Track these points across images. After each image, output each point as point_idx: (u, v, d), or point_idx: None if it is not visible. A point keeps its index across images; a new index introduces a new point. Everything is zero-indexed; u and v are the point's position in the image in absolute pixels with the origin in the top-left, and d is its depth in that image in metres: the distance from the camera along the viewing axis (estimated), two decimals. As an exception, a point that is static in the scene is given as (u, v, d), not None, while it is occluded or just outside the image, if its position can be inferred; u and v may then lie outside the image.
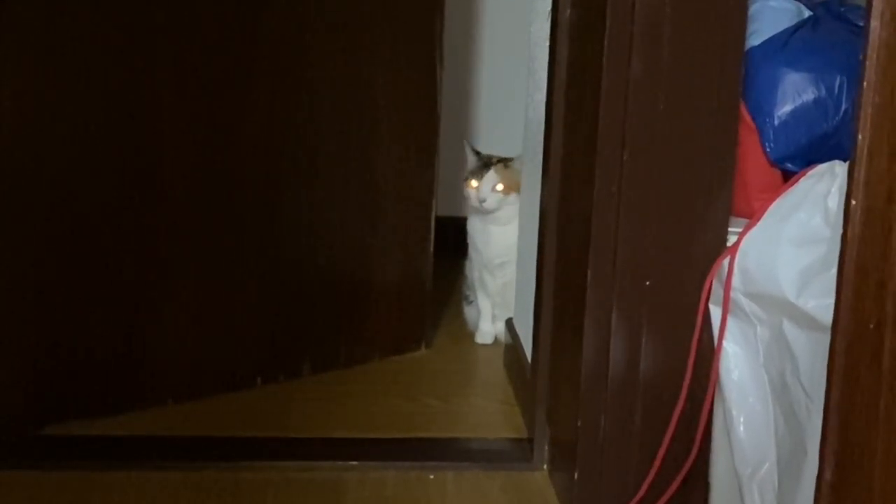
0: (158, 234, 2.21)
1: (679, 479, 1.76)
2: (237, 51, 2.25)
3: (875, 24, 0.84)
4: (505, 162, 2.60)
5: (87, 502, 1.89)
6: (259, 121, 2.29)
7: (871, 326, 0.84)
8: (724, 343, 1.72)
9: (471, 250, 2.75)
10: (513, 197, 2.58)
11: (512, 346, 2.48)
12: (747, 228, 1.69)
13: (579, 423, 1.81)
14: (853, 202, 0.86)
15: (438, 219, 2.59)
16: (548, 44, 2.08)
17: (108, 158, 2.14)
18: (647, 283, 1.75)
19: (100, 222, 2.15)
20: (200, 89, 2.21)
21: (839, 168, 1.63)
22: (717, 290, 1.73)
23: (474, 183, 2.60)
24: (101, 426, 2.14)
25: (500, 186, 2.58)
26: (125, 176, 2.16)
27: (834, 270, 0.97)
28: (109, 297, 2.18)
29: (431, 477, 2.03)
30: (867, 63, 0.83)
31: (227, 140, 2.26)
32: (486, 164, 2.61)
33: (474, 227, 2.71)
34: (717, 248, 1.73)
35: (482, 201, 2.58)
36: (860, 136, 0.84)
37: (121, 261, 2.18)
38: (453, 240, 2.81)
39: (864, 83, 0.84)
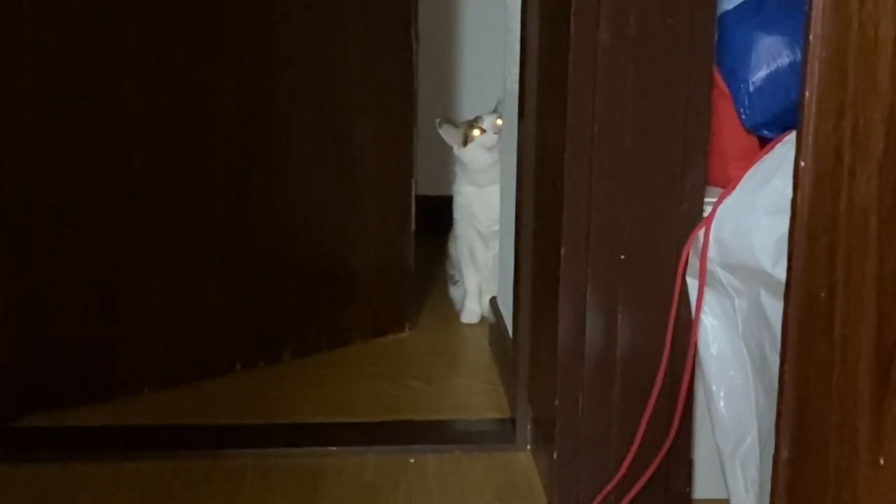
0: (129, 218, 2.16)
1: (660, 456, 1.72)
2: (204, 27, 2.18)
3: (820, -27, 0.78)
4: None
5: (61, 495, 1.86)
6: (230, 99, 2.24)
7: (823, 295, 0.78)
8: (702, 316, 1.68)
9: (460, 224, 2.68)
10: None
11: (496, 325, 2.44)
12: (722, 198, 1.64)
13: (557, 402, 1.77)
14: (802, 164, 0.80)
15: (419, 197, 2.54)
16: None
17: (74, 142, 2.08)
18: (622, 256, 1.70)
19: (68, 208, 2.10)
20: (166, 67, 2.15)
21: (815, 133, 1.58)
22: (693, 262, 1.68)
23: (476, 132, 2.54)
24: (75, 417, 2.10)
25: (499, 121, 2.51)
26: (91, 159, 2.11)
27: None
28: (80, 285, 2.13)
29: (412, 461, 1.99)
30: (812, 14, 0.78)
31: (198, 120, 2.21)
32: (470, 122, 2.56)
33: (468, 194, 2.63)
34: (693, 218, 1.69)
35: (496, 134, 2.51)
36: (807, 94, 0.79)
37: (91, 247, 2.13)
38: (435, 219, 2.76)
39: (810, 36, 0.78)
